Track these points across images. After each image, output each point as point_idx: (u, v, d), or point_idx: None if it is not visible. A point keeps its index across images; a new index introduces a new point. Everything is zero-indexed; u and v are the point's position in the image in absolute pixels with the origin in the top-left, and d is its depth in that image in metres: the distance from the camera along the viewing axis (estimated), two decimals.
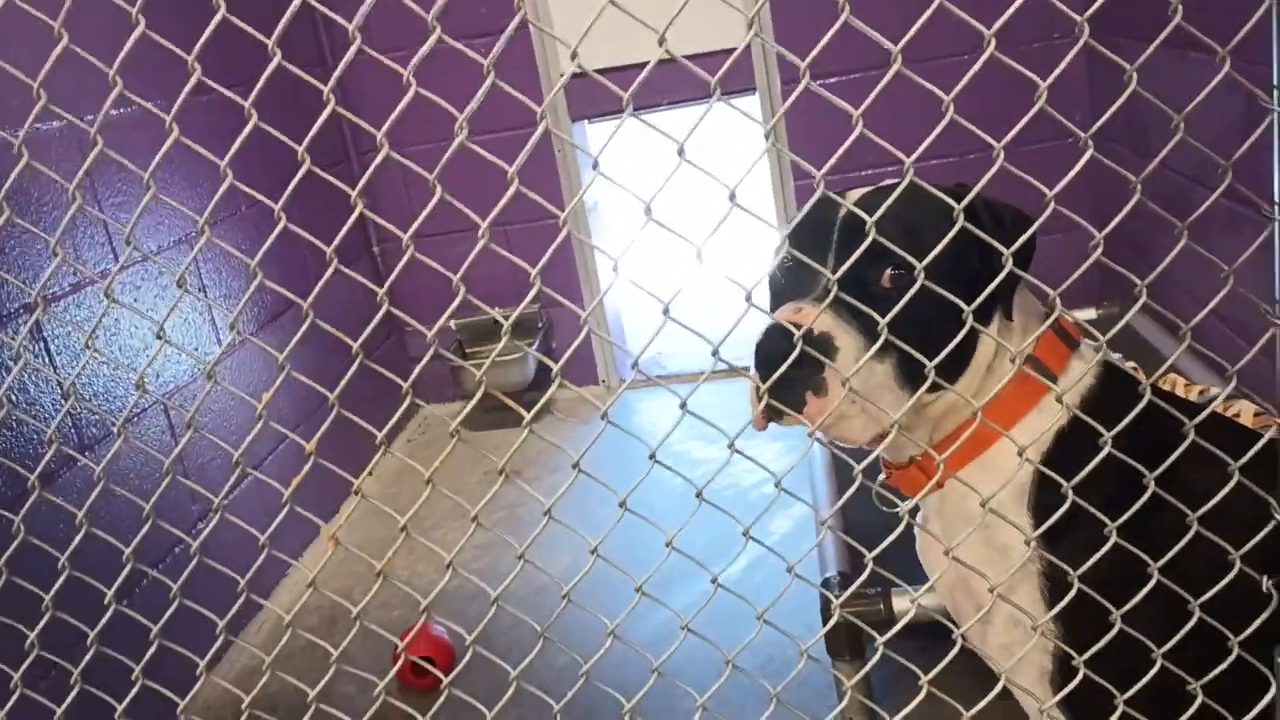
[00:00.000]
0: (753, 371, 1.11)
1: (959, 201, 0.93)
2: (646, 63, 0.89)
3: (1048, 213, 0.93)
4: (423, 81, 0.90)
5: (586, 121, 3.84)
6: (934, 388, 1.09)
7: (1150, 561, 1.03)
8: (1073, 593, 1.05)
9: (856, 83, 3.37)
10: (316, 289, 1.02)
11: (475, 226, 0.95)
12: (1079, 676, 1.07)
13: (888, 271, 1.15)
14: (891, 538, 1.06)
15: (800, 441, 3.21)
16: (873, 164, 3.34)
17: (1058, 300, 0.97)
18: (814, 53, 0.88)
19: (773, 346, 1.10)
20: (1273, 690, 1.04)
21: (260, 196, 1.09)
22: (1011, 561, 1.17)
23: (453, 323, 3.80)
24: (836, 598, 1.89)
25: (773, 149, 3.67)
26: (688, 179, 0.97)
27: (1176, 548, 1.03)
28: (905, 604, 1.83)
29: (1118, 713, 1.08)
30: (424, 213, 1.00)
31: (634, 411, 3.86)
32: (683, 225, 0.97)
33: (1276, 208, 0.91)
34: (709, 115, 0.94)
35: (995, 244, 0.96)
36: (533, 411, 1.11)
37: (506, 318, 1.06)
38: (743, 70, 3.60)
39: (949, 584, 1.30)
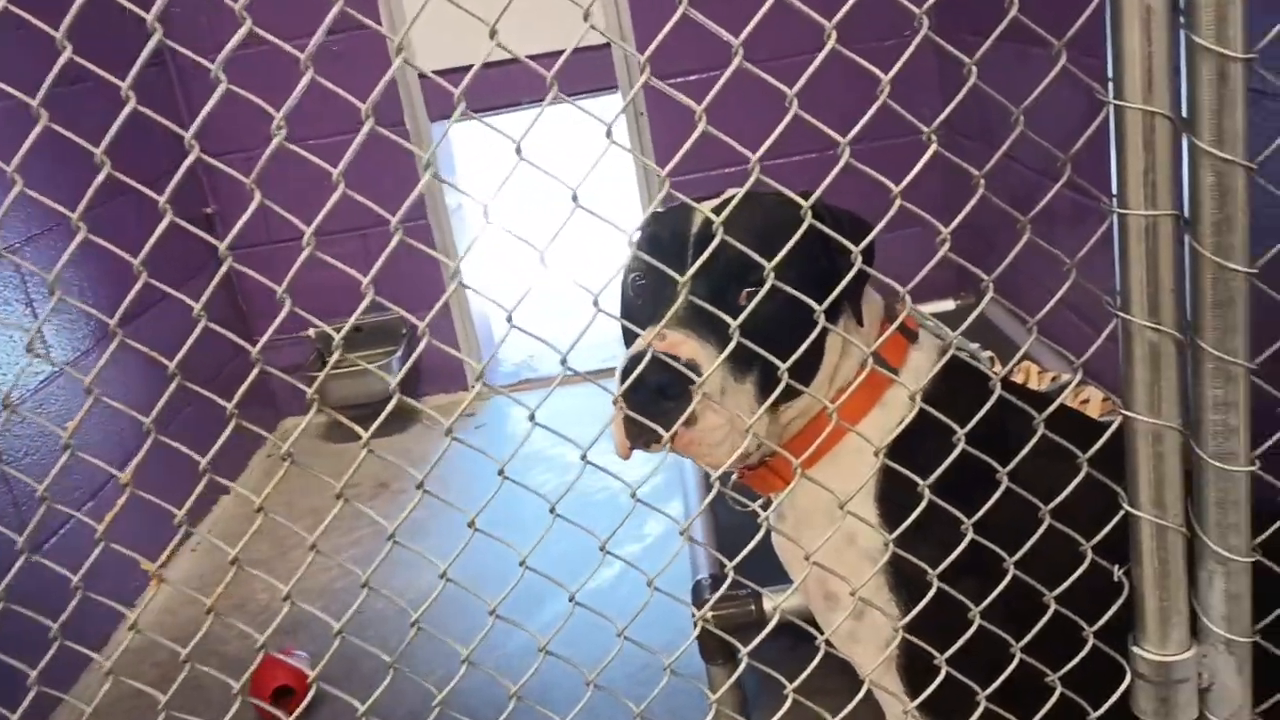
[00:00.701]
0: (618, 399, 1.07)
1: (802, 207, 0.91)
2: (511, 60, 0.84)
3: (894, 209, 0.91)
4: (278, 80, 0.83)
5: (446, 122, 3.74)
6: (790, 394, 1.08)
7: (1005, 556, 1.03)
8: (932, 592, 1.05)
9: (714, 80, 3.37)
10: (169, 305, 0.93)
11: (334, 232, 0.88)
12: (941, 675, 1.07)
13: (744, 290, 1.15)
14: (759, 538, 1.04)
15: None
16: (726, 163, 3.35)
17: (908, 297, 0.96)
18: (650, 49, 0.85)
19: (646, 377, 1.05)
20: (1128, 679, 1.05)
21: (58, 206, 0.99)
22: (858, 549, 1.18)
23: (311, 331, 3.65)
24: (707, 601, 1.87)
25: (636, 150, 3.64)
26: (556, 179, 0.93)
27: (1029, 542, 1.04)
28: (772, 603, 1.81)
29: (979, 709, 1.08)
30: (245, 216, 0.91)
31: (507, 417, 3.79)
32: (553, 225, 0.92)
33: (1114, 200, 0.92)
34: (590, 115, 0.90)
35: (844, 242, 0.95)
36: (369, 430, 1.03)
37: (368, 326, 0.99)
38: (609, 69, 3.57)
39: (803, 576, 1.30)
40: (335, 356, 1.01)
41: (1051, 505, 1.02)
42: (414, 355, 0.89)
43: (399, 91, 3.56)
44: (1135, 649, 1.04)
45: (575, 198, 0.90)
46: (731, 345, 0.94)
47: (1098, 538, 1.03)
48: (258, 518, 1.07)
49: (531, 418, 1.00)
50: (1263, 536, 1.01)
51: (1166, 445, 0.97)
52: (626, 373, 1.05)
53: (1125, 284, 0.93)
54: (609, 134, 0.89)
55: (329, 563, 2.83)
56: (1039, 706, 1.10)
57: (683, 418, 1.04)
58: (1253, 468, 0.96)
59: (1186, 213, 0.91)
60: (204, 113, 0.80)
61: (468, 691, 1.08)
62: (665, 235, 1.21)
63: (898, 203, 0.91)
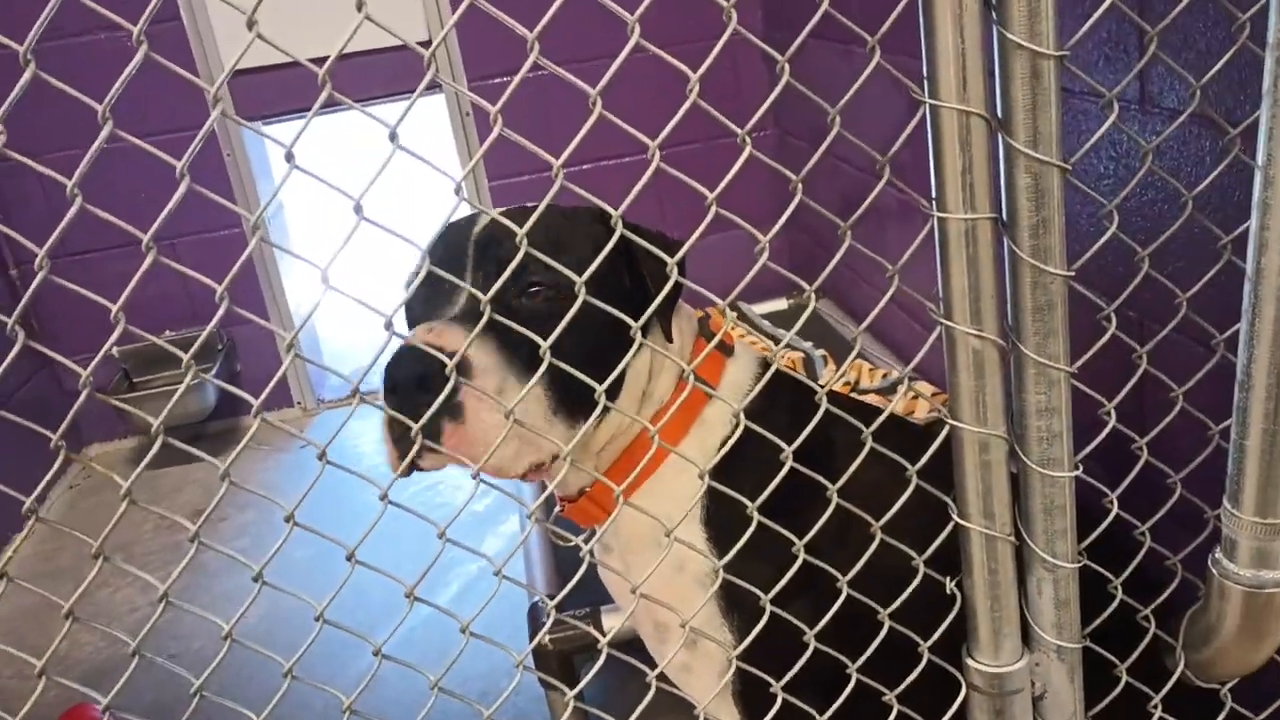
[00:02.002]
0: (383, 405, 0.96)
1: (606, 222, 0.85)
2: (325, 57, 0.74)
3: (710, 215, 0.86)
4: (71, 77, 0.69)
5: (261, 122, 3.53)
6: (592, 412, 1.04)
7: (839, 575, 0.99)
8: (766, 616, 1.00)
9: (544, 79, 3.29)
10: None
11: (135, 241, 0.75)
12: (779, 703, 1.02)
13: (526, 289, 1.07)
14: (583, 569, 0.97)
15: None
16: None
17: (728, 310, 0.91)
18: (436, 43, 0.76)
19: (402, 371, 0.96)
20: (963, 692, 1.02)
21: None
22: (687, 577, 1.13)
23: (115, 350, 3.38)
24: (543, 623, 1.79)
25: (464, 152, 3.53)
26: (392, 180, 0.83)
27: (862, 559, 1.00)
28: (614, 622, 1.75)
29: None
30: (60, 225, 0.77)
31: (342, 434, 3.60)
32: (379, 230, 0.82)
33: (934, 203, 0.88)
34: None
35: (659, 254, 0.89)
36: (228, 461, 0.90)
37: (178, 342, 0.85)
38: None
39: (634, 607, 1.24)
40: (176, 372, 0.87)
41: (882, 521, 0.99)
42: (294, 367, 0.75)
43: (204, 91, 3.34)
44: (969, 661, 1.01)
45: (359, 209, 0.81)
46: (475, 326, 0.85)
47: (929, 550, 1.00)
48: (57, 558, 0.91)
49: (321, 457, 0.89)
50: (1087, 541, 1.00)
51: (993, 454, 0.94)
52: (389, 371, 0.95)
53: (947, 290, 0.90)
54: (393, 137, 0.80)
55: (140, 600, 2.62)
56: None
57: (437, 402, 0.88)
58: (1076, 472, 0.95)
59: (1005, 215, 0.89)
60: None
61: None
62: (449, 241, 1.13)
63: (714, 209, 0.85)
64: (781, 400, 1.13)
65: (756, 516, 0.95)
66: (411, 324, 1.13)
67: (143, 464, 0.80)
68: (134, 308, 3.60)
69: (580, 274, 0.81)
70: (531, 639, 1.80)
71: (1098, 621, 1.03)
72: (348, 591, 0.94)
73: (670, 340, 1.16)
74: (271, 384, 0.81)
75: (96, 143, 0.69)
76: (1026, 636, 1.01)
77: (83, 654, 2.42)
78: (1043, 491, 0.95)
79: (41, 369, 3.46)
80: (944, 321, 0.91)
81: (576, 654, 1.81)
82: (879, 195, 0.92)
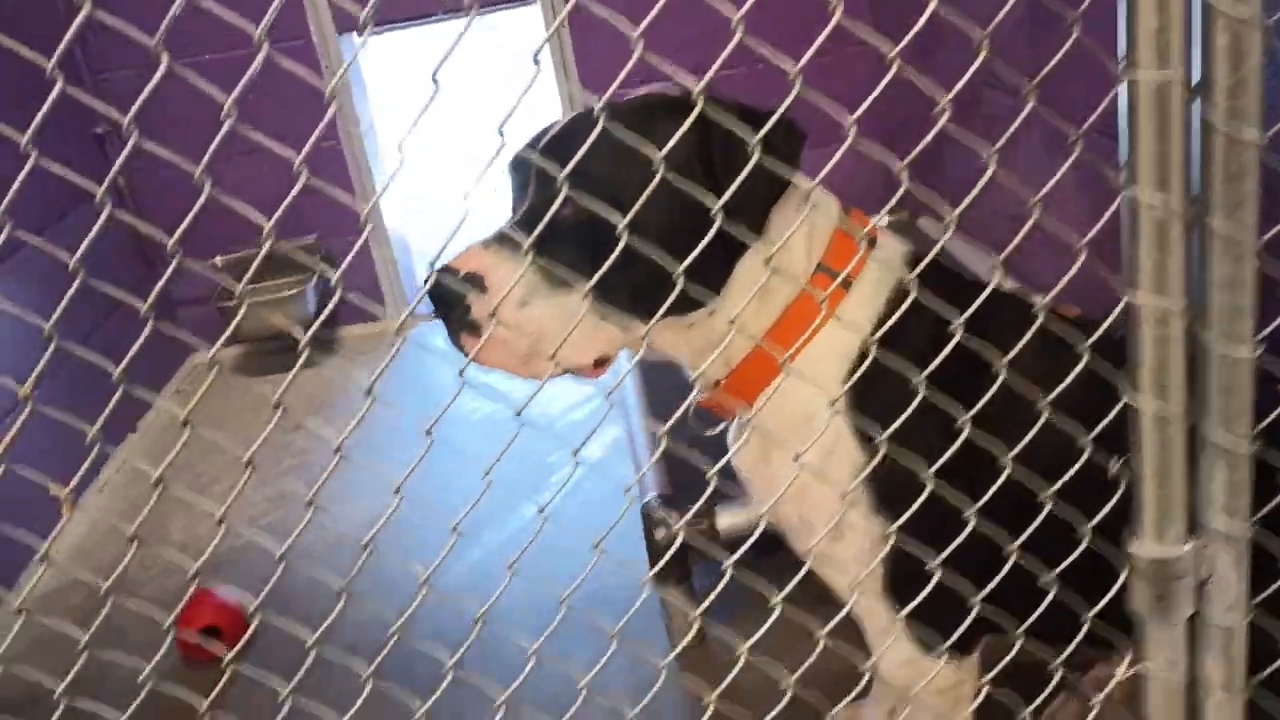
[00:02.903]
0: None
1: (692, 108, 0.82)
2: None
3: (849, 139, 0.83)
4: None
5: (355, 34, 3.53)
6: (685, 309, 1.11)
7: (1004, 449, 0.98)
8: (923, 497, 0.99)
9: None
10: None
11: (240, 153, 0.75)
12: (934, 581, 1.01)
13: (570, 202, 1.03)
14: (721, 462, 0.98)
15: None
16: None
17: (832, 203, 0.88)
18: None
19: (433, 290, 1.11)
20: (1123, 576, 1.01)
21: None
22: (834, 464, 1.12)
23: (218, 259, 3.45)
24: (659, 521, 1.81)
25: (559, 65, 3.49)
26: (474, 90, 0.82)
27: (1028, 436, 0.98)
28: (729, 521, 1.76)
29: (969, 619, 1.03)
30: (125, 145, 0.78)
31: (429, 341, 3.65)
32: (472, 137, 0.82)
33: (1123, 62, 0.84)
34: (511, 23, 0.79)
35: (739, 130, 0.86)
36: (305, 340, 0.92)
37: (275, 253, 0.87)
38: None
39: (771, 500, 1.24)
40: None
41: (1051, 395, 0.96)
42: (334, 298, 0.79)
43: (303, 1, 3.34)
44: (1132, 545, 0.99)
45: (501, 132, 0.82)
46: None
47: (1096, 429, 0.98)
48: (175, 446, 0.94)
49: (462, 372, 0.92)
50: (1263, 425, 0.97)
51: (1171, 329, 0.91)
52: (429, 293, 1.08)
53: (1133, 155, 0.87)
54: (536, 60, 0.80)
55: (254, 497, 2.71)
56: (1026, 614, 1.06)
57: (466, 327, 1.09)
58: (1259, 351, 0.92)
59: (1198, 77, 0.85)
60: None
61: (418, 619, 0.99)
62: (521, 155, 1.18)
63: (853, 132, 0.83)
64: (935, 289, 1.10)
65: (923, 386, 0.93)
66: None
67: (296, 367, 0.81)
68: (229, 219, 3.68)
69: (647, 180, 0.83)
70: (647, 541, 1.81)
71: (1267, 508, 1.00)
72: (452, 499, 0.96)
73: (758, 232, 1.09)
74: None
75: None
76: (1192, 522, 0.99)
77: (202, 545, 2.51)
78: (1222, 370, 0.92)
79: (145, 280, 3.55)
80: (1128, 189, 0.88)
81: (692, 553, 1.83)
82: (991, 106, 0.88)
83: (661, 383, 2.35)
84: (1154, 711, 1.08)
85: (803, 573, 1.02)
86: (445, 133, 5.11)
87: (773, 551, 1.11)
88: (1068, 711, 1.54)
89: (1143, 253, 0.89)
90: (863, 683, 1.08)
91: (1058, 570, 1.03)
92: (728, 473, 1.30)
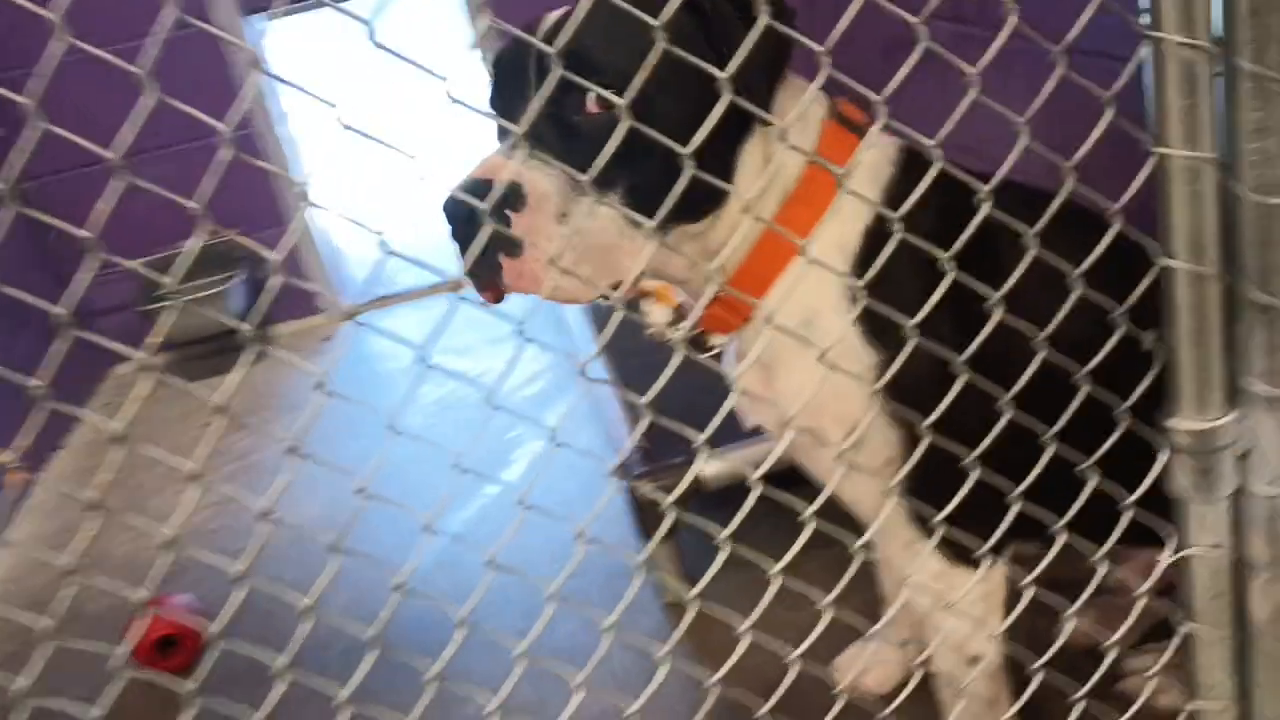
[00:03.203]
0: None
1: None
2: None
3: None
4: None
5: (266, 16, 3.37)
6: (698, 216, 1.02)
7: (1035, 330, 0.92)
8: (957, 385, 0.92)
9: None
10: None
11: (146, 150, 0.65)
12: (972, 478, 0.95)
13: (591, 96, 0.97)
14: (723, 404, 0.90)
15: (555, 337, 3.02)
16: None
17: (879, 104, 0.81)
18: None
19: (453, 209, 0.95)
20: (1163, 457, 0.95)
21: None
22: (844, 375, 1.05)
23: (136, 263, 3.27)
24: (638, 477, 1.73)
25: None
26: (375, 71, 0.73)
27: (1057, 318, 0.92)
28: (714, 467, 1.69)
29: (1013, 511, 0.97)
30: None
31: (367, 336, 3.51)
32: (384, 123, 0.73)
33: None
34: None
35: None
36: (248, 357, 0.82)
37: (200, 251, 0.77)
38: None
39: (775, 420, 1.16)
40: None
41: (1081, 268, 0.91)
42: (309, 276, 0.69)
43: None
44: (1171, 422, 0.94)
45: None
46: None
47: (1129, 301, 0.92)
48: (107, 462, 0.82)
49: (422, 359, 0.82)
50: None
51: (1203, 183, 0.86)
52: (444, 211, 0.95)
53: (1156, 2, 0.81)
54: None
55: (200, 503, 2.56)
56: (1059, 512, 1.00)
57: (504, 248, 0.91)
58: None
59: None
60: None
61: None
62: (511, 53, 1.05)
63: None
64: (939, 176, 1.05)
65: (949, 266, 0.87)
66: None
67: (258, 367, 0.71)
68: (145, 222, 3.47)
69: (643, 61, 0.75)
70: (628, 497, 1.73)
71: None
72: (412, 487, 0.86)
73: (768, 111, 1.02)
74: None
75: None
76: (1230, 392, 0.94)
77: (150, 557, 2.37)
78: (1257, 222, 0.87)
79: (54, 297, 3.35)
80: (1152, 33, 0.82)
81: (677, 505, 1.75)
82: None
83: (622, 348, 2.28)
84: (1199, 598, 1.03)
85: (804, 536, 0.93)
86: (357, 121, 4.93)
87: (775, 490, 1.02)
88: (1087, 620, 1.50)
89: (1170, 100, 0.84)
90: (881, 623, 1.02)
91: (1095, 457, 0.97)
92: (707, 419, 1.22)
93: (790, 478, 1.00)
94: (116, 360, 3.50)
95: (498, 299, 1.00)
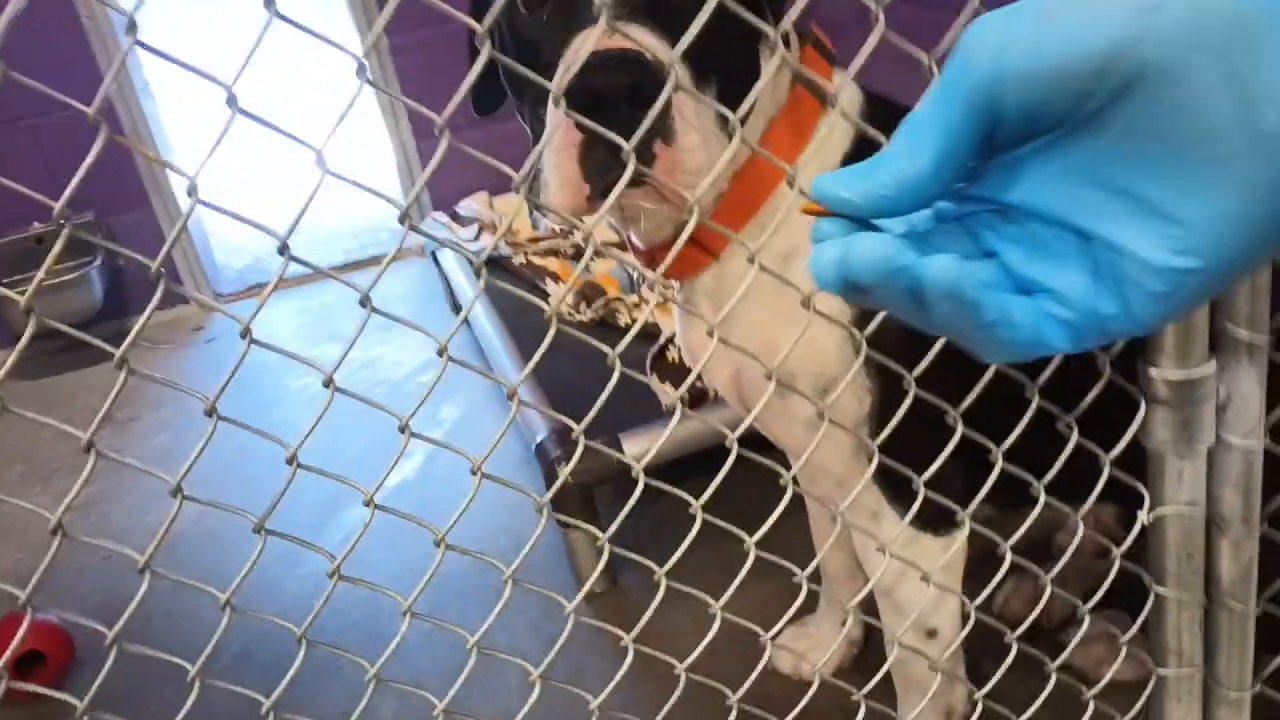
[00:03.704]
0: (566, 134, 0.79)
1: None
2: None
3: None
4: None
5: None
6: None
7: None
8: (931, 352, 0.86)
9: None
10: None
11: None
12: (959, 431, 0.89)
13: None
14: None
15: (444, 326, 2.88)
16: None
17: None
18: None
19: (606, 80, 0.75)
20: (1143, 409, 0.91)
21: None
22: (817, 314, 0.98)
23: None
24: (557, 460, 1.63)
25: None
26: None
27: None
28: (639, 446, 1.60)
29: (997, 469, 0.91)
30: None
31: (239, 326, 3.29)
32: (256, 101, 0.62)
33: None
34: None
35: None
36: (124, 345, 0.69)
37: (50, 236, 0.64)
38: None
39: (729, 377, 1.08)
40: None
41: None
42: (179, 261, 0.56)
43: None
44: (1153, 372, 0.90)
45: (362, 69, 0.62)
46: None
47: None
48: None
49: (245, 334, 0.70)
50: None
51: None
52: (574, 89, 0.73)
53: None
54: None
55: (56, 509, 2.33)
56: (1038, 468, 0.95)
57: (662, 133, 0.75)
58: None
59: None
60: None
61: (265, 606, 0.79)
62: None
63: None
64: (892, 104, 0.99)
65: None
66: (520, 53, 0.89)
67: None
68: None
69: None
70: (546, 480, 1.63)
71: None
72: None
73: (786, 38, 0.93)
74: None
75: None
76: (1213, 340, 0.90)
77: (4, 565, 2.14)
78: None
79: None
80: None
81: (597, 487, 1.65)
82: None
83: (519, 327, 2.17)
84: (1171, 560, 1.00)
85: (719, 478, 0.85)
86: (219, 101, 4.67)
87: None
88: (1019, 594, 1.48)
89: None
90: (801, 597, 0.95)
91: (1078, 410, 0.92)
92: (624, 398, 1.13)
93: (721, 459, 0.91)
94: None
95: (589, 207, 0.82)
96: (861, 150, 0.98)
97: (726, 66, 0.79)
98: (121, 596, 0.80)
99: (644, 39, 0.78)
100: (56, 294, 2.93)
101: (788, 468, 0.88)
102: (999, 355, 0.44)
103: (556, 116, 0.77)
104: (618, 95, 0.74)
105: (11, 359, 0.63)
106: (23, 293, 0.67)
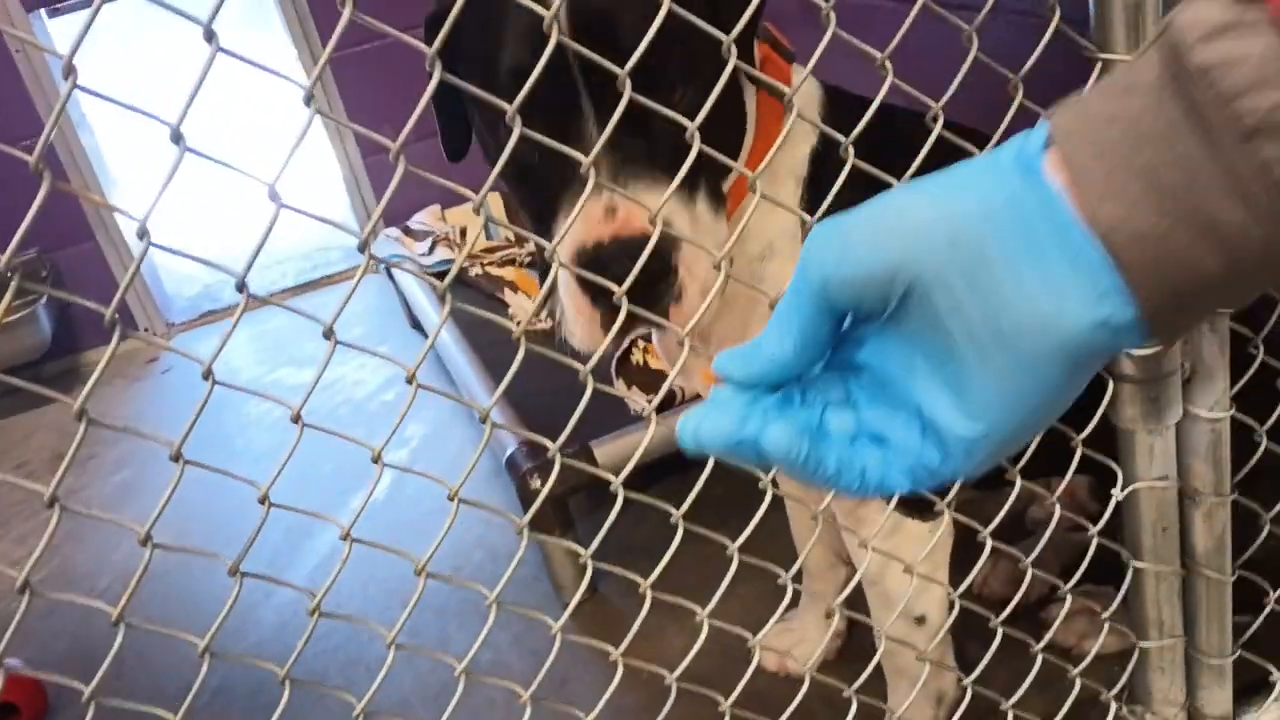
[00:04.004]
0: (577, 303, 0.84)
1: None
2: None
3: None
4: None
5: (44, 12, 3.05)
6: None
7: None
8: None
9: None
10: None
11: None
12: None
13: (676, 92, 0.85)
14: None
15: (403, 343, 2.85)
16: None
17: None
18: None
19: (612, 274, 0.76)
20: (1109, 390, 0.92)
21: None
22: None
23: None
24: (529, 473, 1.61)
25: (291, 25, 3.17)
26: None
27: None
28: (611, 453, 1.59)
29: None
30: None
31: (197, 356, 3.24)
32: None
33: None
34: None
35: None
36: (83, 395, 0.67)
37: None
38: None
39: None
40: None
41: None
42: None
43: None
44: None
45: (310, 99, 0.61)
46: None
47: None
48: None
49: (207, 375, 0.68)
50: None
51: None
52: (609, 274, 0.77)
53: None
54: (209, 36, 0.61)
55: (15, 554, 2.29)
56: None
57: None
58: None
59: None
60: None
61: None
62: (525, 42, 0.83)
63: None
64: (849, 99, 1.00)
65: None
66: (519, 172, 0.89)
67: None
68: None
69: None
70: (520, 493, 1.61)
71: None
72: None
73: (754, 62, 0.94)
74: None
75: None
76: None
77: None
78: None
79: None
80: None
81: (571, 496, 1.64)
82: None
83: (479, 339, 2.15)
84: (1146, 533, 1.01)
85: (698, 486, 0.85)
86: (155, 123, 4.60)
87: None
88: (998, 574, 1.49)
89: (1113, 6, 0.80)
90: (787, 598, 0.96)
91: None
92: (590, 402, 1.12)
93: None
94: None
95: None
96: (826, 145, 0.98)
97: (718, 125, 0.78)
98: (90, 637, 0.78)
99: (644, 198, 0.80)
100: (4, 333, 2.86)
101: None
102: (852, 493, 0.53)
103: (567, 275, 0.83)
104: (638, 283, 0.76)
105: None
106: None
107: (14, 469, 2.69)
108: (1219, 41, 0.40)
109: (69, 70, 0.59)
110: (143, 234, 0.67)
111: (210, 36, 0.59)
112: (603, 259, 0.79)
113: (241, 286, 0.69)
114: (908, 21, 0.77)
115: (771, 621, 1.13)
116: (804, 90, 1.01)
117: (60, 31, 3.15)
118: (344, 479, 2.21)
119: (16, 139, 2.99)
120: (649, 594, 0.87)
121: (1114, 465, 0.97)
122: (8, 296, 0.68)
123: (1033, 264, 0.44)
